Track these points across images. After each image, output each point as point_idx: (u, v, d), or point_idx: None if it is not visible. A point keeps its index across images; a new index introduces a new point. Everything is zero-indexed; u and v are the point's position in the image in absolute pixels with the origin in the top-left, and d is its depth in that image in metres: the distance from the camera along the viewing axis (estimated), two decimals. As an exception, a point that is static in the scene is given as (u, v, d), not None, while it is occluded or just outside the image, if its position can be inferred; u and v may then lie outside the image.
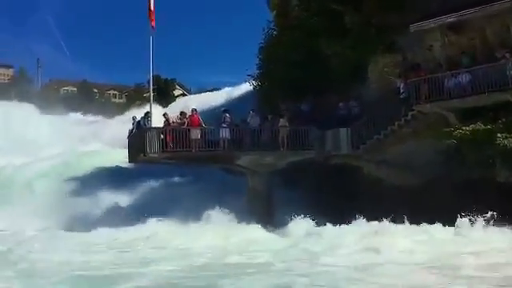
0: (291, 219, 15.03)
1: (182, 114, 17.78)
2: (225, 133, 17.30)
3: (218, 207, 16.27)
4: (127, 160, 19.05)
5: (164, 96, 59.12)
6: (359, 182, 17.50)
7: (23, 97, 52.39)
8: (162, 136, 16.65)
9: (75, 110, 55.78)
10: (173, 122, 17.34)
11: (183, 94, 69.46)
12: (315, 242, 12.74)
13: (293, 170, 18.48)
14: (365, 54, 18.40)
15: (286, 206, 16.70)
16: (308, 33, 19.74)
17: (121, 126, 31.10)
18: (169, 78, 70.48)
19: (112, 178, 23.83)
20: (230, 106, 23.17)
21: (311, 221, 14.80)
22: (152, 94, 19.34)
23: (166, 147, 16.58)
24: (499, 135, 14.34)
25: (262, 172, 17.97)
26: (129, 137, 18.57)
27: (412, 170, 16.35)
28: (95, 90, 78.92)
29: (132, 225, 16.27)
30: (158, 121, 17.32)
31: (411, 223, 13.51)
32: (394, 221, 13.56)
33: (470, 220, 13.18)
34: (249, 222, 15.84)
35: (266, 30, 24.18)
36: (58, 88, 77.74)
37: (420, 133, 16.22)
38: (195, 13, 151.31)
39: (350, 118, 18.15)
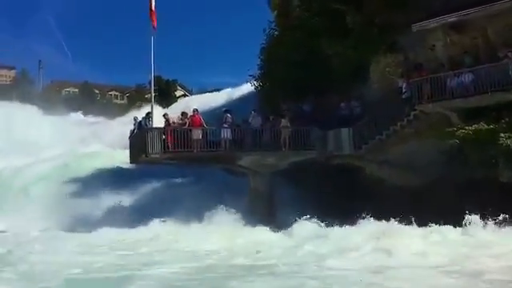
0: (296, 220, 14.81)
1: (184, 114, 17.74)
2: (226, 133, 17.26)
3: (220, 208, 16.21)
4: (128, 161, 18.99)
5: (165, 97, 59.15)
6: (361, 183, 17.42)
7: (25, 98, 52.40)
8: (163, 136, 16.61)
9: (77, 111, 55.85)
10: (173, 123, 17.29)
11: (184, 95, 69.47)
12: (322, 244, 12.40)
13: (294, 171, 18.41)
14: (366, 54, 18.35)
15: (288, 206, 16.66)
16: (309, 33, 19.69)
17: (122, 126, 31.10)
18: (170, 79, 70.56)
19: (113, 178, 23.80)
20: (231, 107, 23.09)
21: (316, 221, 14.56)
22: (153, 95, 19.32)
23: (168, 148, 16.53)
24: (502, 135, 14.28)
25: (263, 172, 17.93)
26: (130, 137, 18.53)
27: (414, 170, 16.29)
28: (96, 91, 78.97)
29: (134, 226, 16.22)
30: (159, 121, 17.29)
31: (416, 224, 13.26)
32: (399, 221, 13.32)
33: (476, 220, 12.94)
34: (252, 222, 15.74)
35: (267, 31, 24.18)
36: (59, 89, 77.77)
37: (422, 133, 16.16)
38: (196, 13, 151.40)
39: (352, 118, 18.10)
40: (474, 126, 14.70)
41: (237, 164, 18.21)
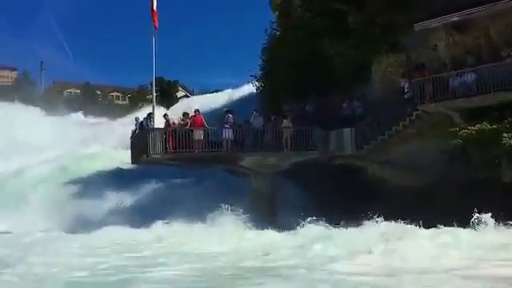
0: (301, 221, 14.58)
1: (185, 114, 17.71)
2: (228, 133, 17.22)
3: (222, 209, 16.08)
4: (130, 161, 18.96)
5: (167, 97, 59.22)
6: (363, 183, 17.35)
7: (27, 99, 52.52)
8: (164, 137, 16.57)
9: (79, 112, 55.93)
10: (173, 123, 17.26)
11: (186, 96, 69.49)
12: (330, 245, 11.95)
13: (296, 171, 18.35)
14: (368, 54, 18.31)
15: (290, 206, 16.57)
16: (311, 33, 19.68)
17: (123, 127, 31.10)
18: (171, 80, 70.62)
19: (115, 179, 23.78)
20: (232, 107, 23.07)
21: (321, 222, 14.37)
22: (155, 95, 19.32)
23: (169, 148, 16.49)
24: (505, 135, 14.21)
25: (265, 173, 17.88)
26: (132, 138, 18.51)
27: (417, 170, 16.21)
28: (98, 92, 79.09)
29: (137, 227, 16.12)
30: (160, 122, 17.26)
31: (420, 224, 13.04)
32: (404, 222, 13.12)
33: (488, 221, 12.67)
34: (255, 223, 15.62)
35: (268, 31, 24.19)
36: (61, 90, 77.90)
37: (424, 133, 16.09)
38: (197, 14, 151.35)
39: (354, 119, 18.05)
40: (477, 126, 14.63)
41: (238, 164, 18.16)
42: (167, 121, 17.31)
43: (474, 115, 15.24)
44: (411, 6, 17.03)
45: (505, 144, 14.11)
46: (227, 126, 17.45)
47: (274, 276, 9.34)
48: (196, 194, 19.28)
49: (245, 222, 15.72)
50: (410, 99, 16.64)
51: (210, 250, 12.62)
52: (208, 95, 50.69)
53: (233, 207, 16.13)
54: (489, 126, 14.50)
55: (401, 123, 16.64)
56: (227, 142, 17.21)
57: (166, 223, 15.98)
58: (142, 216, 17.36)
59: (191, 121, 17.27)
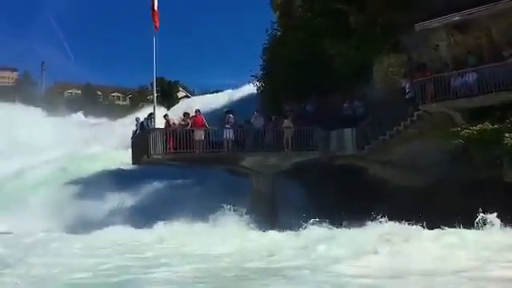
0: (304, 221, 14.50)
1: (186, 114, 17.68)
2: (228, 134, 17.19)
3: (224, 209, 16.01)
4: (130, 162, 18.92)
5: (167, 98, 59.23)
6: (365, 183, 17.30)
7: (28, 100, 52.55)
8: (165, 137, 16.54)
9: (81, 113, 55.96)
10: (173, 124, 17.23)
11: (186, 96, 69.51)
12: (334, 246, 11.77)
13: (297, 171, 18.31)
14: (369, 54, 18.27)
15: (292, 207, 16.51)
16: (312, 33, 19.64)
17: (124, 128, 31.09)
18: (172, 81, 70.64)
19: (116, 179, 23.73)
20: (233, 108, 23.04)
21: (323, 222, 14.23)
22: (155, 95, 19.29)
23: (170, 148, 16.46)
24: (507, 135, 14.16)
25: (266, 173, 17.85)
26: (132, 138, 18.48)
27: (418, 170, 16.16)
28: (99, 93, 79.20)
29: (138, 228, 16.05)
30: (161, 122, 17.23)
31: (424, 225, 12.91)
32: (407, 222, 13.01)
33: (494, 221, 12.55)
34: (257, 224, 15.57)
35: (269, 31, 24.17)
36: (62, 91, 78.05)
37: (426, 133, 16.05)
38: (197, 14, 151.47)
39: (355, 119, 18.01)
40: (479, 126, 14.60)
41: (239, 165, 18.13)
42: (167, 121, 17.28)
43: (475, 115, 15.20)
44: (412, 5, 16.98)
45: (506, 144, 14.06)
46: (228, 126, 17.42)
47: (278, 277, 9.20)
48: (197, 195, 19.24)
49: (247, 223, 15.67)
50: (412, 99, 16.60)
51: (212, 250, 12.50)
52: (208, 95, 50.72)
53: (235, 208, 16.09)
54: (490, 126, 14.47)
55: (402, 123, 16.60)
56: (228, 143, 17.18)
57: (168, 224, 15.95)
58: (143, 216, 17.34)
59: (192, 121, 17.25)
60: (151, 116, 17.18)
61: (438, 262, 9.85)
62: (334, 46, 18.66)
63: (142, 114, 19.43)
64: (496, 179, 14.16)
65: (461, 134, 14.87)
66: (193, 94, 69.70)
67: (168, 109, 38.05)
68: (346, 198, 16.40)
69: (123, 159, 23.02)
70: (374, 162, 17.79)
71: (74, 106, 59.62)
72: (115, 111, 58.39)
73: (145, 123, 17.37)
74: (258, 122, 18.24)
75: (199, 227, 15.38)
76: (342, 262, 10.02)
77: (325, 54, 19.03)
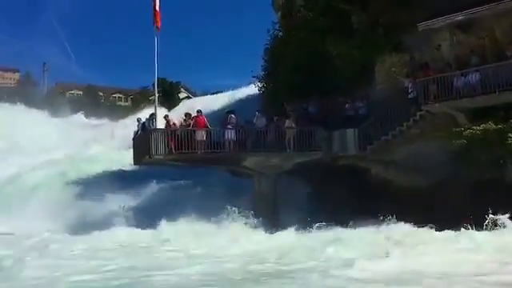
0: (310, 223, 14.37)
1: (187, 115, 17.62)
2: (230, 134, 17.13)
3: (227, 210, 15.86)
4: (132, 162, 18.84)
5: (169, 98, 59.18)
6: (368, 184, 17.23)
7: (29, 101, 52.54)
8: (167, 137, 16.48)
9: (81, 113, 55.97)
10: (173, 124, 17.17)
11: (188, 97, 69.47)
12: (344, 248, 11.53)
13: (300, 171, 18.23)
14: (372, 54, 18.20)
15: (295, 207, 16.38)
16: (314, 33, 19.57)
17: (125, 129, 31.06)
18: (174, 81, 70.60)
19: (118, 180, 23.71)
20: (234, 108, 22.96)
21: (330, 224, 14.08)
22: (157, 95, 19.24)
23: (172, 149, 16.40)
24: (510, 135, 14.14)
25: (268, 173, 17.77)
26: (134, 139, 18.42)
27: (421, 171, 16.08)
28: (101, 94, 79.18)
29: (142, 229, 15.91)
30: (162, 123, 17.16)
31: (433, 226, 12.71)
32: (414, 223, 12.84)
33: (499, 222, 12.41)
34: (265, 226, 15.41)
35: (271, 31, 24.13)
36: (63, 92, 78.05)
37: (428, 133, 15.97)
38: (197, 15, 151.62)
39: (357, 119, 17.93)
40: (482, 126, 14.52)
41: (241, 165, 18.06)
42: (167, 122, 17.22)
43: (478, 115, 15.14)
44: (415, 5, 16.90)
45: (510, 144, 14.01)
46: (230, 126, 17.36)
47: (287, 279, 8.98)
48: (199, 196, 19.17)
49: (252, 224, 15.51)
50: (414, 99, 16.53)
51: (218, 252, 12.29)
52: (210, 96, 50.69)
53: (238, 208, 15.96)
54: (494, 126, 14.39)
55: (404, 123, 16.52)
56: (230, 143, 17.11)
57: (171, 225, 15.74)
58: (145, 218, 17.14)
59: (193, 121, 17.19)
60: (153, 116, 17.12)
61: (454, 265, 9.53)
62: (337, 45, 18.57)
63: (144, 115, 19.38)
64: (499, 179, 14.08)
65: (464, 134, 14.80)
66: (194, 95, 69.66)
67: (169, 110, 38.02)
68: (349, 199, 16.36)
69: (125, 160, 22.97)
70: (376, 162, 17.71)
71: (75, 106, 59.59)
72: (117, 112, 58.38)
73: (146, 124, 17.32)
74: (259, 122, 18.17)
75: (203, 228, 15.22)
76: (353, 266, 9.68)
77: (327, 53, 18.95)
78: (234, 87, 44.72)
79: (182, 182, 22.78)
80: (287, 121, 17.95)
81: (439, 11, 16.40)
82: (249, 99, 30.22)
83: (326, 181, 18.29)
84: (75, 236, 16.40)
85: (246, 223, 15.59)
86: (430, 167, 15.75)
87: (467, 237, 11.80)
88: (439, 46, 17.11)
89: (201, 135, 16.77)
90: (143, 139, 17.10)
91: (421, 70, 16.89)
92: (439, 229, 12.61)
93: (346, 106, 18.61)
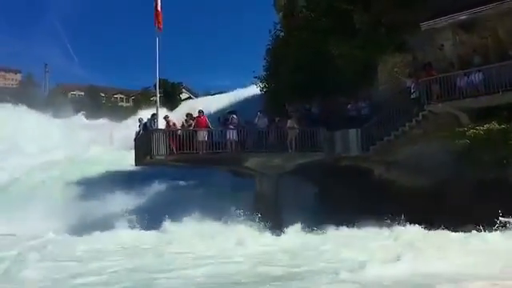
0: (315, 224, 14.25)
1: (189, 115, 17.56)
2: (232, 134, 17.06)
3: (230, 211, 15.77)
4: (133, 163, 18.77)
5: (170, 99, 59.13)
6: (371, 184, 17.15)
7: (31, 102, 52.62)
8: (169, 137, 16.42)
9: (83, 114, 56.03)
10: (173, 124, 17.12)
11: (190, 98, 69.47)
12: (354, 250, 11.24)
13: (302, 172, 18.16)
14: (374, 54, 18.15)
15: (297, 208, 16.28)
16: (316, 33, 19.51)
17: (127, 129, 31.04)
18: (175, 82, 70.59)
19: (119, 181, 23.66)
20: (236, 109, 22.91)
21: (336, 225, 13.90)
22: (158, 96, 19.19)
23: (173, 149, 16.34)
24: (514, 135, 14.01)
25: (270, 174, 17.69)
26: (135, 139, 18.37)
27: (424, 171, 15.99)
28: (102, 94, 79.22)
29: (146, 230, 15.79)
30: (162, 124, 17.09)
31: (430, 226, 12.55)
32: (419, 224, 12.66)
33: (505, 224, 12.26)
34: (268, 226, 15.30)
35: (272, 32, 24.11)
36: (65, 92, 78.13)
37: (431, 133, 15.89)
38: (197, 15, 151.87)
39: (360, 119, 17.86)
40: (486, 126, 14.44)
41: (243, 166, 18.00)
42: (167, 122, 17.17)
43: (481, 115, 15.08)
44: (417, 5, 16.84)
45: (513, 144, 13.91)
46: (231, 126, 17.31)
47: (297, 282, 8.75)
48: (201, 196, 19.07)
49: (257, 225, 15.37)
50: (417, 99, 16.46)
51: (224, 253, 12.07)
52: (211, 97, 50.72)
53: (241, 209, 15.85)
54: (497, 126, 14.32)
55: (407, 124, 16.45)
56: (231, 143, 17.05)
57: (174, 226, 15.60)
58: (147, 218, 16.95)
59: (195, 122, 17.14)
60: (154, 117, 17.06)
61: (467, 268, 9.23)
62: (339, 46, 18.51)
63: (146, 115, 19.33)
64: (503, 180, 13.99)
65: (467, 134, 14.73)
66: (196, 96, 69.68)
67: (171, 110, 38.03)
68: (352, 199, 16.27)
69: (126, 160, 22.91)
70: (379, 162, 17.64)
71: (77, 107, 59.66)
72: (118, 113, 58.45)
73: (148, 124, 17.26)
74: (261, 122, 18.09)
75: (207, 229, 15.03)
76: (365, 269, 9.29)
77: (329, 54, 18.90)
78: (236, 88, 44.83)
79: (183, 182, 22.73)
80: (289, 121, 17.89)
81: (442, 11, 16.34)
82: (249, 100, 30.15)
83: (328, 181, 18.22)
84: (77, 237, 16.25)
85: (250, 224, 15.44)
86: (432, 167, 15.65)
87: (479, 238, 11.60)
88: (442, 45, 17.04)
89: (202, 135, 16.71)
90: (144, 139, 17.04)
91: (423, 69, 16.82)
92: (442, 229, 12.48)
93: (349, 106, 18.55)
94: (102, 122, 51.64)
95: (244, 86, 38.34)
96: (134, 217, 18.34)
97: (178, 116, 20.39)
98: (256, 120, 18.18)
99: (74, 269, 10.57)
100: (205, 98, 53.18)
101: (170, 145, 16.34)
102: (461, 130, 14.98)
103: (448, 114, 15.78)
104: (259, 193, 17.90)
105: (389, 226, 13.09)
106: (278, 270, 9.97)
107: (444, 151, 15.32)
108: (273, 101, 22.09)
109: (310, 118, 18.46)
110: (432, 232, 12.39)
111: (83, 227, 18.10)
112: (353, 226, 13.68)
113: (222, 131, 17.36)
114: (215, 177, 21.64)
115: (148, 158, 16.61)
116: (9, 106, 46.59)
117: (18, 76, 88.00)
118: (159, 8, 17.11)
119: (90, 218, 19.70)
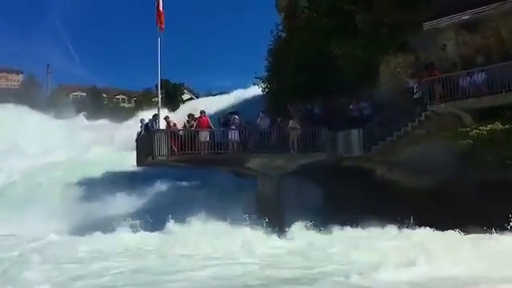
0: (320, 224, 14.12)
1: (190, 116, 17.53)
2: (234, 135, 17.02)
3: (233, 211, 15.72)
4: (135, 163, 18.73)
5: (172, 100, 59.21)
6: (373, 184, 17.09)
7: (33, 102, 52.69)
8: (170, 138, 16.38)
9: (85, 115, 56.10)
10: (174, 125, 17.08)
11: (191, 99, 69.51)
12: (362, 250, 11.03)
13: (304, 173, 18.10)
14: (376, 54, 18.09)
15: (299, 209, 16.23)
16: (318, 34, 19.47)
17: (129, 130, 30.99)
18: (177, 83, 70.66)
19: (121, 182, 23.62)
20: (238, 109, 22.87)
21: (341, 225, 13.78)
22: (160, 96, 19.15)
23: (175, 150, 16.30)
24: (517, 135, 13.94)
25: (272, 175, 17.64)
26: (137, 139, 18.34)
27: (426, 172, 15.93)
28: (104, 95, 79.35)
29: (149, 230, 15.71)
30: (164, 125, 17.05)
31: (438, 227, 12.36)
32: (424, 225, 12.51)
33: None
34: (272, 227, 15.22)
35: (274, 32, 24.09)
36: (67, 93, 78.28)
37: (434, 133, 15.83)
38: (198, 16, 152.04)
39: (362, 119, 17.80)
40: (489, 126, 14.38)
41: (245, 166, 17.95)
42: (168, 123, 17.14)
43: (484, 115, 15.01)
44: (419, 5, 16.79)
45: (517, 144, 13.84)
46: (233, 127, 17.27)
47: (310, 285, 8.52)
48: (204, 197, 19.00)
49: (261, 226, 15.27)
50: (419, 99, 16.39)
51: (231, 255, 11.92)
52: (213, 97, 50.70)
53: (246, 210, 15.77)
54: (501, 126, 14.25)
55: (409, 124, 16.39)
56: (233, 144, 17.01)
57: (177, 227, 15.52)
58: (150, 219, 16.90)
59: (197, 122, 17.11)
60: (156, 117, 17.03)
61: (486, 271, 8.95)
62: (341, 46, 18.47)
63: (147, 116, 19.29)
64: (506, 180, 13.91)
65: (470, 134, 14.66)
66: (197, 96, 69.72)
67: (173, 111, 38.00)
68: (355, 200, 16.20)
69: (128, 161, 22.88)
70: (381, 163, 17.58)
71: (79, 108, 59.74)
72: (120, 114, 58.53)
73: (149, 124, 17.23)
74: (263, 123, 18.06)
75: (211, 230, 14.93)
76: (379, 272, 9.02)
77: (331, 54, 18.86)
78: (236, 88, 44.82)
79: (186, 183, 22.67)
80: (291, 121, 17.85)
81: (444, 11, 16.27)
82: (251, 100, 30.08)
83: (331, 182, 18.16)
84: (79, 238, 16.19)
85: (255, 225, 15.34)
86: (435, 168, 15.59)
87: (491, 240, 11.39)
88: (444, 45, 16.97)
89: (204, 136, 16.68)
90: (146, 140, 17.01)
91: (426, 70, 16.76)
92: (445, 230, 12.40)
93: (351, 106, 18.50)
94: (104, 122, 51.64)
95: (244, 86, 38.36)
96: (136, 218, 18.27)
97: (180, 117, 20.34)
98: (258, 120, 18.14)
99: (76, 270, 10.49)
100: (206, 98, 53.15)
101: (171, 145, 16.30)
102: (464, 130, 14.92)
103: (451, 114, 15.72)
104: (261, 193, 17.86)
105: (392, 226, 12.97)
106: (287, 273, 9.79)
107: (447, 151, 15.26)
108: (275, 101, 22.05)
109: (311, 119, 18.42)
110: (440, 233, 12.23)
111: (85, 228, 17.99)
112: (357, 227, 13.59)
113: (223, 132, 17.31)
114: (217, 177, 21.59)
115: (150, 158, 16.57)
116: (10, 106, 46.61)
117: (20, 77, 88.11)
118: (161, 8, 17.09)
119: (91, 220, 19.61)
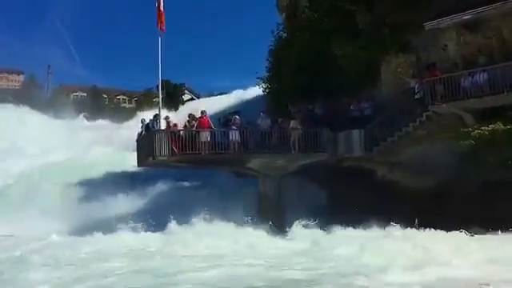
0: (322, 225, 14.07)
1: (191, 116, 17.51)
2: (235, 135, 17.00)
3: (235, 212, 15.66)
4: (136, 164, 18.70)
5: (173, 100, 59.20)
6: (374, 185, 17.06)
7: (34, 102, 52.66)
8: (171, 138, 16.36)
9: (85, 115, 56.08)
10: (174, 125, 17.05)
11: (192, 99, 69.51)
12: (367, 252, 10.82)
13: (305, 173, 18.08)
14: (377, 55, 18.07)
15: (301, 209, 16.20)
16: (319, 34, 19.45)
17: (129, 130, 30.97)
18: (178, 83, 70.66)
19: (122, 182, 23.61)
20: (239, 109, 22.84)
21: (347, 227, 13.65)
22: (161, 96, 19.14)
23: (175, 150, 16.28)
24: (518, 135, 13.90)
25: (273, 175, 17.62)
26: (137, 140, 18.31)
27: (428, 172, 15.91)
28: (105, 96, 79.33)
29: (148, 231, 15.62)
30: (164, 126, 17.01)
31: (439, 228, 12.28)
32: (427, 226, 12.41)
33: None
34: (274, 227, 15.14)
35: (275, 33, 24.08)
36: (68, 93, 78.26)
37: (435, 134, 15.80)
38: (198, 16, 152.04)
39: (363, 120, 17.78)
40: (491, 127, 14.35)
41: (245, 166, 17.94)
42: (168, 123, 17.11)
43: (486, 116, 14.97)
44: (420, 5, 16.77)
45: (518, 145, 13.80)
46: (234, 127, 17.25)
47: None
48: (205, 197, 18.98)
49: (262, 227, 15.22)
50: (421, 100, 16.37)
51: (235, 256, 11.76)
52: (214, 98, 50.70)
53: (248, 211, 15.73)
54: (502, 127, 14.22)
55: (411, 124, 16.36)
56: (234, 144, 16.99)
57: (178, 227, 15.42)
58: (151, 220, 16.82)
59: (198, 122, 17.08)
60: (156, 117, 17.01)
61: (497, 274, 8.72)
62: (342, 46, 18.44)
63: (147, 116, 19.26)
64: (508, 181, 13.87)
65: (472, 134, 14.64)
66: (198, 97, 69.71)
67: (174, 111, 37.98)
68: (356, 200, 16.16)
69: (129, 161, 22.86)
70: (382, 163, 17.56)
71: (79, 108, 59.73)
72: (121, 114, 58.50)
73: (150, 125, 17.21)
74: (264, 123, 18.04)
75: (213, 231, 14.81)
76: (387, 275, 8.74)
77: (331, 54, 18.84)
78: (236, 88, 44.83)
79: (187, 183, 22.64)
80: (292, 122, 17.83)
81: (445, 11, 16.25)
82: (251, 101, 30.06)
83: (332, 182, 18.15)
84: (80, 239, 16.08)
85: (258, 226, 15.29)
86: (436, 168, 15.57)
87: (496, 241, 11.26)
88: (446, 45, 16.95)
89: (205, 136, 16.65)
90: (147, 140, 16.99)
91: (427, 70, 16.73)
92: (447, 230, 12.36)
93: (352, 106, 18.47)
94: (104, 123, 51.62)
95: (245, 86, 38.37)
96: (137, 218, 18.15)
97: (180, 117, 20.32)
98: (259, 121, 18.13)
99: (77, 271, 10.41)
100: (207, 98, 53.15)
101: (172, 146, 16.27)
102: (465, 130, 14.89)
103: (452, 114, 15.69)
104: (262, 194, 17.84)
105: (395, 226, 12.91)
106: (292, 274, 9.65)
107: (448, 152, 15.24)
108: (275, 101, 22.04)
109: (312, 119, 18.40)
110: (445, 234, 12.14)
111: (85, 229, 17.87)
112: (358, 227, 13.56)
113: (224, 132, 17.30)
114: (218, 178, 21.57)
115: (150, 158, 16.55)
116: (11, 106, 46.61)
117: (21, 77, 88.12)
118: (161, 8, 17.07)
119: (92, 220, 19.53)
